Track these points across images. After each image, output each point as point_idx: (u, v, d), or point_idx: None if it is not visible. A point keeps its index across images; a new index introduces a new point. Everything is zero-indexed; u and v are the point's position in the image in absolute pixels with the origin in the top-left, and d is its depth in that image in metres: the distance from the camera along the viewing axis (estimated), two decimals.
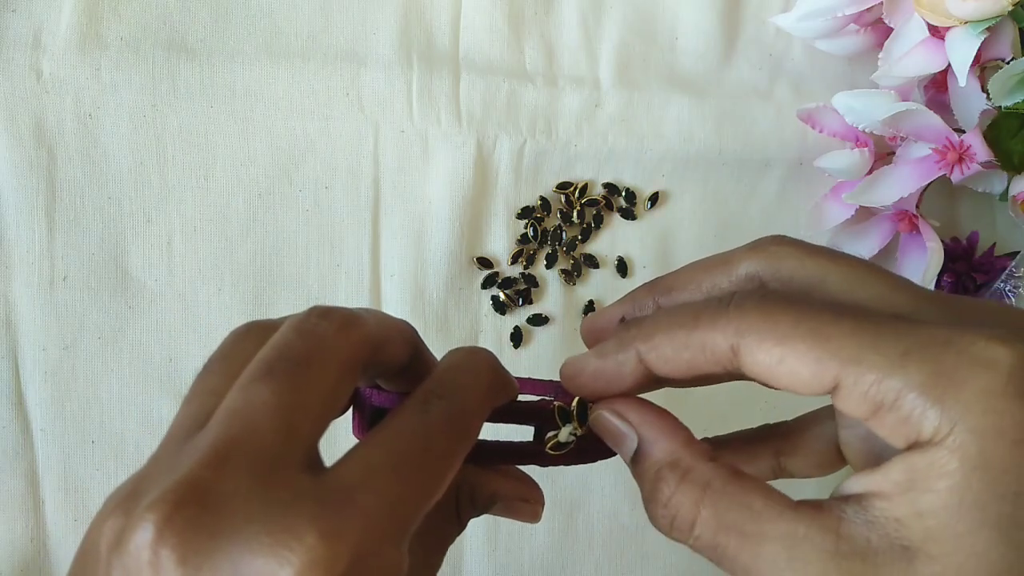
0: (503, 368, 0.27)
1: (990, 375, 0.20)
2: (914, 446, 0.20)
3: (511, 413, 0.27)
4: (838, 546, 0.21)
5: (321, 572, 0.19)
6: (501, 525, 0.45)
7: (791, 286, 0.24)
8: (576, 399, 0.27)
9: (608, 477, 0.46)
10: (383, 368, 0.26)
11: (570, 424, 0.27)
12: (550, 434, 0.27)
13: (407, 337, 0.26)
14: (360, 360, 0.23)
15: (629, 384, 0.25)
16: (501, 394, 0.26)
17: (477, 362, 0.26)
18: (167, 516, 0.19)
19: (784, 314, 0.22)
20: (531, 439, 0.28)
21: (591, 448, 0.28)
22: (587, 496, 0.46)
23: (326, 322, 0.23)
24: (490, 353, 0.26)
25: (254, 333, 0.25)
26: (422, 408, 0.23)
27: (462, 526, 0.29)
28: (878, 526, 0.21)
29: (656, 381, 0.25)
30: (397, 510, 0.21)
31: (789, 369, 0.21)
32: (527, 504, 0.29)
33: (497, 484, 0.29)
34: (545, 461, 0.28)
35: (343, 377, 0.23)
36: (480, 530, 0.45)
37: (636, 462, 0.25)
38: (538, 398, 0.28)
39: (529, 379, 0.28)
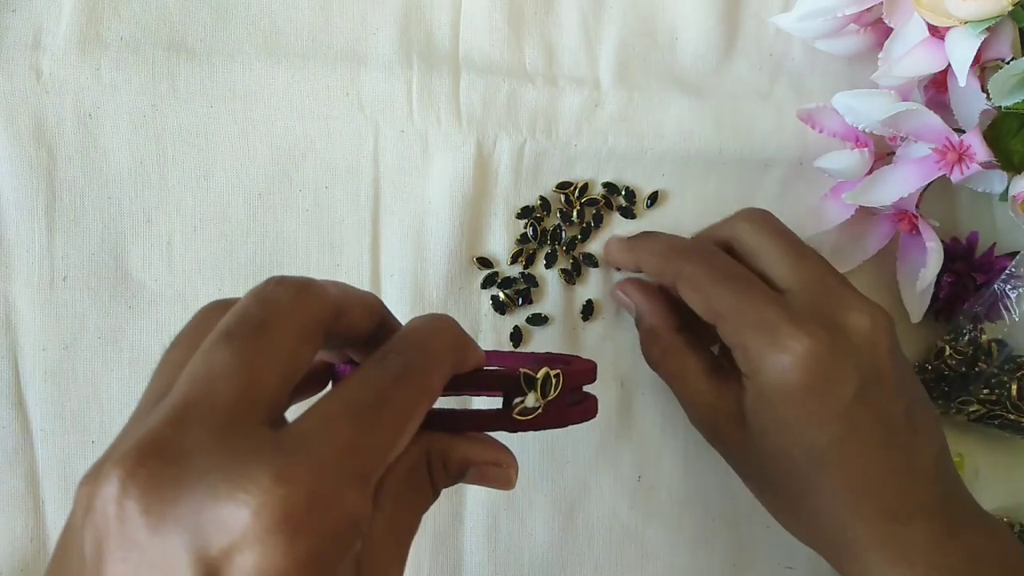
0: (465, 333, 0.28)
1: (786, 357, 0.36)
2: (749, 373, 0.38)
3: (478, 381, 0.28)
4: (738, 396, 0.39)
5: (276, 512, 0.19)
6: (501, 525, 0.45)
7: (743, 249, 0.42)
8: (543, 368, 0.29)
9: (608, 477, 0.46)
10: (349, 336, 0.27)
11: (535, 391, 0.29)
12: (517, 400, 0.29)
13: (370, 306, 0.27)
14: (319, 323, 0.25)
15: (634, 267, 0.45)
16: (462, 356, 0.27)
17: (436, 323, 0.27)
18: (130, 470, 0.20)
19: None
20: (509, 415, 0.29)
21: (558, 414, 0.29)
22: (587, 496, 0.46)
23: (282, 288, 0.24)
24: (451, 318, 0.28)
25: (220, 308, 0.26)
26: (379, 363, 0.25)
27: (436, 494, 0.29)
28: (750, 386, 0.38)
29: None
30: (353, 454, 0.22)
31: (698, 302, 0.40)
32: (500, 469, 0.30)
33: (468, 450, 0.30)
34: (514, 426, 0.29)
35: (302, 339, 0.24)
36: (480, 530, 0.45)
37: (638, 320, 0.44)
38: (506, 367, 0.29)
39: (498, 351, 0.29)
